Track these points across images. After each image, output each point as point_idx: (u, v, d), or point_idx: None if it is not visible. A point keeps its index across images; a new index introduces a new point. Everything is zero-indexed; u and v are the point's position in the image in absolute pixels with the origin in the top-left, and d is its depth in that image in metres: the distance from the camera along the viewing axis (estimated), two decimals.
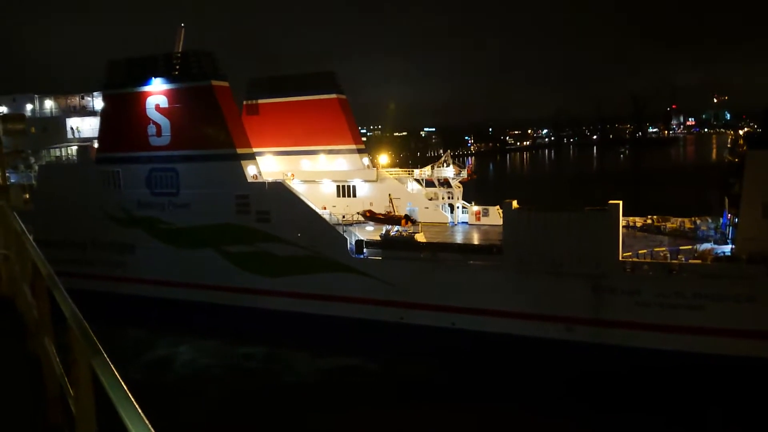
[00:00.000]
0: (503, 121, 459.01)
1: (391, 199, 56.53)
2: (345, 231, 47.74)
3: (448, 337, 42.79)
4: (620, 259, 39.42)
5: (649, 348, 37.77)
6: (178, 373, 42.78)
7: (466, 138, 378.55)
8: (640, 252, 41.27)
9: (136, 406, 3.27)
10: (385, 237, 47.43)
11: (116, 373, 3.66)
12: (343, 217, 53.53)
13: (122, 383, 3.51)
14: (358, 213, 55.56)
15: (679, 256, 39.92)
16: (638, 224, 50.01)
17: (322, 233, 47.28)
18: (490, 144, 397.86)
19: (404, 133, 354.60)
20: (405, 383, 38.85)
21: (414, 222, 51.60)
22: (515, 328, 41.20)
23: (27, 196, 61.43)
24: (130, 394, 3.36)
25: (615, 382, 36.34)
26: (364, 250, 46.46)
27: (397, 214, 54.74)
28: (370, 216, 54.69)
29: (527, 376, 37.93)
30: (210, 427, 34.22)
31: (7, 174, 52.25)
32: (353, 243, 46.67)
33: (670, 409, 34.21)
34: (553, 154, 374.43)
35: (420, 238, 46.89)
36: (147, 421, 3.15)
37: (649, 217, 50.70)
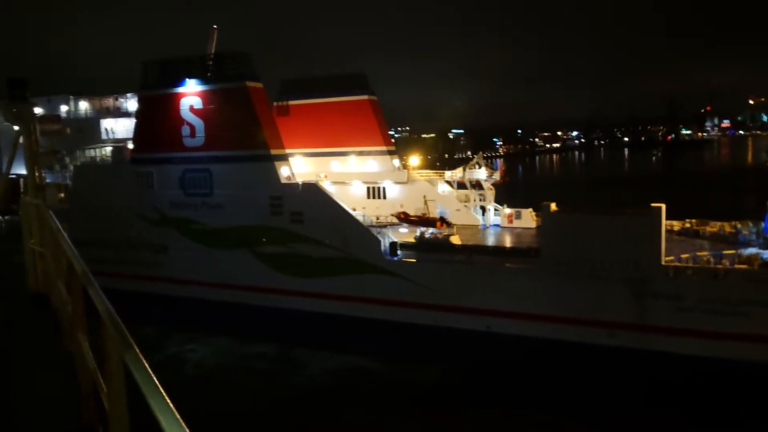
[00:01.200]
0: (532, 122, 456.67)
1: (426, 201, 55.82)
2: (379, 233, 47.23)
3: (483, 340, 42.03)
4: (663, 263, 38.29)
5: (692, 354, 36.59)
6: (204, 371, 42.27)
7: (495, 140, 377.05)
8: (682, 256, 40.05)
9: (168, 401, 3.23)
10: (420, 239, 46.81)
11: (149, 368, 3.61)
12: (377, 218, 52.96)
13: (155, 379, 3.47)
14: (391, 215, 55.00)
15: (723, 261, 38.62)
16: (676, 228, 48.52)
17: (355, 235, 46.84)
18: (519, 146, 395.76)
19: (432, 135, 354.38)
20: (427, 386, 37.87)
21: (449, 224, 50.82)
22: (553, 332, 40.24)
23: (62, 195, 62.16)
24: (162, 390, 3.32)
25: (653, 389, 35.25)
26: (398, 252, 45.92)
27: (431, 216, 54.02)
28: (404, 218, 54.06)
29: (566, 381, 36.90)
30: (231, 425, 33.87)
31: (43, 173, 52.88)
32: (387, 245, 46.15)
33: (713, 418, 32.96)
34: (583, 156, 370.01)
35: (455, 240, 46.19)
36: (179, 416, 3.10)
37: (687, 220, 49.19)
